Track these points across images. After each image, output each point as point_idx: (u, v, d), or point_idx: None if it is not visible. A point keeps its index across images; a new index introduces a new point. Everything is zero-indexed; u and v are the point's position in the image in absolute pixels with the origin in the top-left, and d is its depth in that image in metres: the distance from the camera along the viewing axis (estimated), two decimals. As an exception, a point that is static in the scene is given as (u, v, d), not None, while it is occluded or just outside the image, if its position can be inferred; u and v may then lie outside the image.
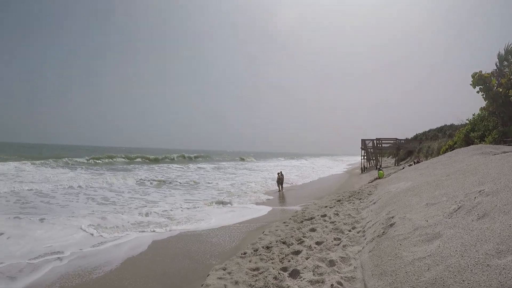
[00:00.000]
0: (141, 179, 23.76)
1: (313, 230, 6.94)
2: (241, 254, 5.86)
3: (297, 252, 5.65)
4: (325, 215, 8.23)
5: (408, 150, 38.33)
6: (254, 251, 5.93)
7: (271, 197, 17.42)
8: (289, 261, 5.21)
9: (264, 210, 15.19)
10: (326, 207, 9.79)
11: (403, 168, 26.31)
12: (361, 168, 38.32)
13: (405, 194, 7.38)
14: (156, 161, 52.44)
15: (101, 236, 8.40)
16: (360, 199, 10.78)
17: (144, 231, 8.95)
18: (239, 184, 24.29)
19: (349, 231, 6.69)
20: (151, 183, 21.98)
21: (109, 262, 6.76)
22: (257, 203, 15.12)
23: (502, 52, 15.36)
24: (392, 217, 5.88)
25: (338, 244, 5.80)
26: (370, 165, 39.09)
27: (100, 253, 7.28)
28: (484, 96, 14.03)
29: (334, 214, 8.33)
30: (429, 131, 47.18)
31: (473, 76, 13.89)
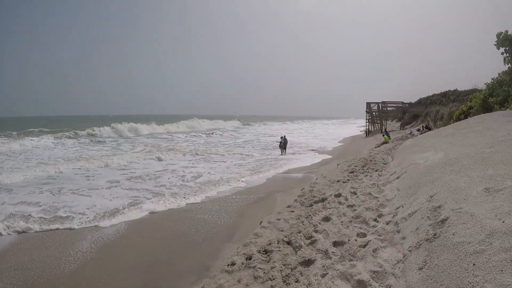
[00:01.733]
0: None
1: (327, 219, 5.34)
2: (228, 266, 4.21)
3: (308, 263, 4.03)
4: (339, 195, 6.59)
5: (414, 114, 36.44)
6: (246, 259, 4.29)
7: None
8: (297, 281, 3.62)
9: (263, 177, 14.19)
10: (338, 181, 8.17)
11: (411, 132, 24.63)
12: (366, 131, 36.92)
13: (443, 170, 5.71)
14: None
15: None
16: (377, 170, 9.16)
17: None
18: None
19: (375, 220, 5.10)
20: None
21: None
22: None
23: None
24: (440, 207, 4.25)
25: (365, 246, 4.19)
26: (375, 128, 37.53)
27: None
28: (509, 58, 12.11)
29: (351, 193, 6.71)
30: (433, 95, 45.90)
31: (498, 36, 11.92)
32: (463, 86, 46.81)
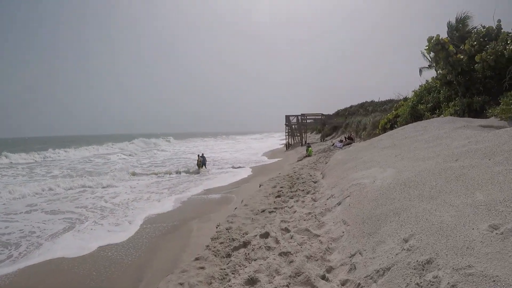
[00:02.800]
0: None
1: (252, 282, 3.41)
2: None
3: None
4: (267, 235, 4.68)
5: (334, 126, 37.13)
6: None
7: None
8: None
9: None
10: (263, 211, 6.29)
11: (333, 144, 24.34)
12: (286, 144, 36.57)
13: (406, 195, 4.24)
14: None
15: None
16: (308, 193, 7.58)
17: None
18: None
19: (325, 279, 3.34)
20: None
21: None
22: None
23: (453, 21, 14.20)
24: (430, 262, 2.65)
25: None
26: (295, 141, 37.50)
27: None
28: (440, 63, 11.94)
29: (282, 230, 4.90)
30: (351, 107, 48.58)
31: (429, 40, 11.69)
32: (375, 98, 50.23)
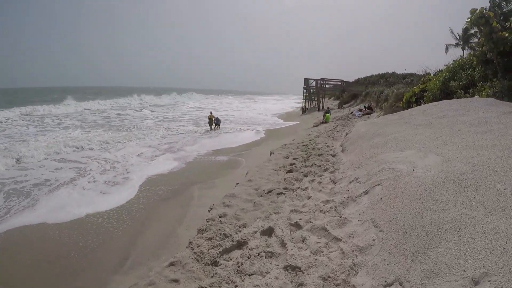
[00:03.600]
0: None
1: None
2: None
3: None
4: (271, 232, 3.44)
5: (353, 94, 35.00)
6: None
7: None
8: None
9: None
10: (270, 192, 5.04)
11: (351, 112, 22.76)
12: (302, 108, 34.97)
13: (468, 201, 3.00)
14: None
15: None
16: (326, 170, 6.38)
17: None
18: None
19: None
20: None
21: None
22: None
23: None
24: None
25: None
26: (312, 105, 35.76)
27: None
28: (482, 39, 10.16)
29: (291, 225, 3.71)
30: (371, 76, 46.52)
31: (472, 13, 9.87)
32: (398, 70, 48.34)
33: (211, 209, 4.58)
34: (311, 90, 35.50)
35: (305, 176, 6.12)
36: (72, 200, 7.97)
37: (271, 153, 9.02)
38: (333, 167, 6.56)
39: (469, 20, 10.21)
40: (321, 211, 4.17)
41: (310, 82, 35.09)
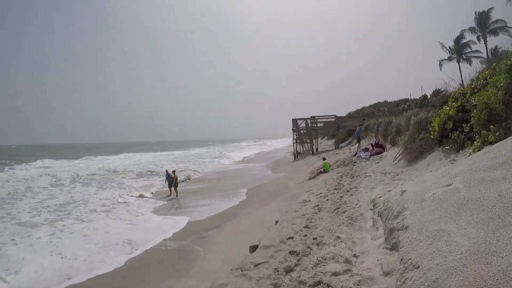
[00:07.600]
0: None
1: None
2: None
3: None
4: None
5: (349, 129, 30.39)
6: None
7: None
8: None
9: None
10: None
11: (355, 154, 18.02)
12: (294, 153, 30.18)
13: None
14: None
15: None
16: None
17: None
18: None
19: None
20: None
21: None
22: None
23: None
24: None
25: None
26: (304, 149, 31.04)
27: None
28: None
29: None
30: (362, 108, 44.30)
31: None
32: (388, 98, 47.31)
33: None
34: (302, 131, 30.92)
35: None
36: None
37: (251, 249, 4.06)
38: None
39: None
40: None
41: (299, 122, 30.54)
